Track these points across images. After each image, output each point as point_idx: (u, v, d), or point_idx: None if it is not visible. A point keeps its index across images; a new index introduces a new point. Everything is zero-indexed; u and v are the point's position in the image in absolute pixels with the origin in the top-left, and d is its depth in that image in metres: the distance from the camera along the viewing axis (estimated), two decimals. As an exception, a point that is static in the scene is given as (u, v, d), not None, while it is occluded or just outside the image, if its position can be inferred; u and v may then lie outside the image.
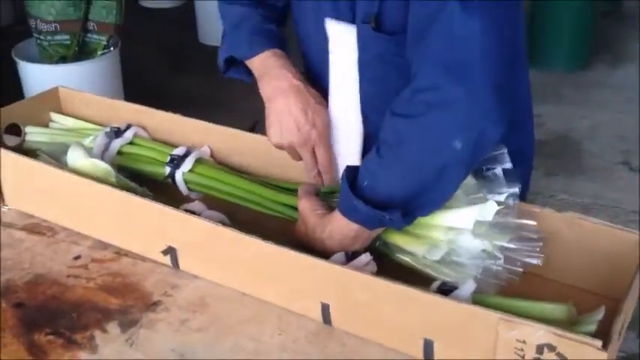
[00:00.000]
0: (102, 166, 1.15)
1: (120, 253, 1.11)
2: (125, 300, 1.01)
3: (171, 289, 1.03)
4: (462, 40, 0.88)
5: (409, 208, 0.93)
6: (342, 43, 1.10)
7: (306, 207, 1.04)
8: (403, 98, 0.93)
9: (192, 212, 1.05)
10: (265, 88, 1.11)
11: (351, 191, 0.95)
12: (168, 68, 3.91)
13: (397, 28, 1.03)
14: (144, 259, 1.09)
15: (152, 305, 1.00)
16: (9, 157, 1.18)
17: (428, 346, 0.88)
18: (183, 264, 1.06)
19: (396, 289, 0.87)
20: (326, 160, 1.11)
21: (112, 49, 2.84)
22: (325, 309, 0.95)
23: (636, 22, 4.61)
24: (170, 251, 1.06)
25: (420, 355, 0.89)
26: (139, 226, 1.08)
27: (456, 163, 0.90)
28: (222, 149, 1.28)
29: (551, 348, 0.78)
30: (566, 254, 1.01)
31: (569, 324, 0.86)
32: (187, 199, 1.16)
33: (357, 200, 0.93)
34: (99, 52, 2.82)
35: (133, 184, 1.15)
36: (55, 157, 1.21)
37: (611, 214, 2.67)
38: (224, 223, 1.04)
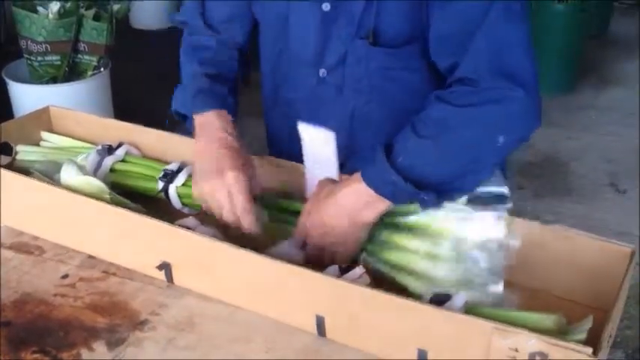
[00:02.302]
0: (95, 184, 1.16)
1: (108, 272, 1.11)
2: (112, 319, 1.01)
3: (159, 307, 1.03)
4: (512, 46, 0.97)
5: (442, 190, 0.97)
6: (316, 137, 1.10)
7: (324, 180, 1.07)
8: (458, 90, 0.98)
9: (187, 228, 1.06)
10: (196, 146, 1.12)
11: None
12: (159, 89, 3.91)
13: (398, 41, 1.06)
14: (132, 277, 1.09)
15: (139, 324, 1.00)
16: (3, 174, 1.18)
17: (422, 356, 0.89)
18: (177, 279, 1.07)
19: (391, 300, 0.89)
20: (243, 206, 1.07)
21: (102, 69, 2.86)
22: (320, 321, 0.96)
23: (622, 45, 4.68)
24: (165, 266, 1.06)
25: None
26: (133, 242, 1.09)
27: (494, 154, 0.98)
28: None
29: (543, 356, 0.80)
30: (553, 266, 1.03)
31: (559, 333, 0.87)
32: (180, 215, 1.17)
33: (397, 176, 0.95)
34: (89, 73, 2.83)
35: (126, 201, 1.16)
36: (48, 175, 1.22)
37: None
38: (217, 239, 1.04)
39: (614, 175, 3.19)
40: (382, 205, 0.99)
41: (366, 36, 1.07)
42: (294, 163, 1.20)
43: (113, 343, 0.96)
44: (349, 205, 1.00)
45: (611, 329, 0.86)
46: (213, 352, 0.95)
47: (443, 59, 1.03)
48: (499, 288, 0.96)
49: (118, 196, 1.17)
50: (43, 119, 1.43)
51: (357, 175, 1.00)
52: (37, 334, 0.98)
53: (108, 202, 1.11)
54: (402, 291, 0.97)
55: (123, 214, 1.08)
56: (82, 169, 1.20)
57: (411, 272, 1.00)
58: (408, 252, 1.01)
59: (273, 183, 1.19)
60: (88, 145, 1.37)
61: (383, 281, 1.01)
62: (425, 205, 0.98)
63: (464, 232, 0.99)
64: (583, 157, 3.35)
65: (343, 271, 1.00)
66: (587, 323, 0.89)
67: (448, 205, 1.00)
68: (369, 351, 0.94)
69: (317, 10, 1.09)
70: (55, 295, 1.06)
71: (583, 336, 0.87)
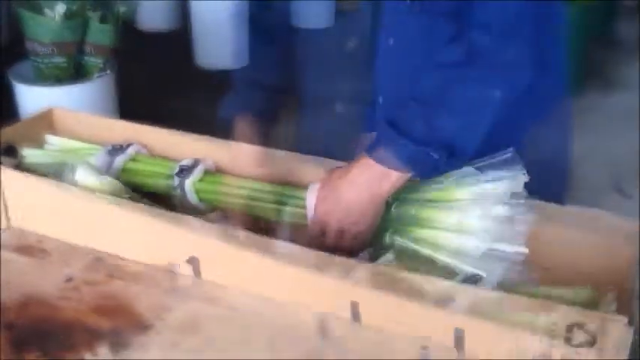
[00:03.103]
0: (113, 183, 1.17)
1: (112, 274, 1.11)
2: (116, 322, 1.00)
3: (163, 311, 1.02)
4: (507, 9, 1.00)
5: (445, 144, 1.01)
6: None
7: (331, 170, 1.11)
8: (450, 52, 1.03)
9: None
10: None
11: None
12: (165, 91, 3.93)
13: None
14: (136, 281, 1.09)
15: (143, 327, 0.99)
16: (17, 177, 1.19)
17: (459, 334, 0.91)
18: (205, 274, 1.08)
19: (429, 281, 0.93)
20: None
21: (108, 71, 2.86)
22: (355, 307, 0.97)
23: (628, 47, 4.66)
24: (192, 262, 1.07)
25: (451, 343, 0.93)
26: (158, 239, 1.10)
27: (494, 106, 1.03)
28: (226, 162, 1.29)
29: (581, 327, 0.85)
30: (565, 243, 1.06)
31: (590, 306, 0.92)
32: (196, 213, 1.18)
33: (405, 140, 1.00)
34: (95, 75, 2.84)
35: (145, 200, 1.17)
36: (58, 177, 1.22)
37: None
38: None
39: (619, 179, 3.18)
40: (396, 174, 1.03)
41: None
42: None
43: (117, 347, 0.96)
44: (365, 181, 1.04)
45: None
46: (218, 355, 0.94)
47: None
48: (524, 250, 1.00)
49: (136, 195, 1.18)
50: (46, 121, 1.43)
51: (365, 154, 1.04)
52: (40, 337, 0.98)
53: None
54: (429, 266, 1.01)
55: (148, 211, 1.10)
56: (95, 170, 1.21)
57: (438, 246, 1.04)
58: (434, 226, 1.05)
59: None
60: (94, 146, 1.37)
61: (409, 258, 1.03)
62: (437, 167, 1.02)
63: (485, 202, 1.03)
64: (588, 160, 3.34)
65: (373, 260, 1.02)
66: (611, 298, 0.95)
67: (467, 177, 1.04)
68: (405, 334, 0.95)
69: None
70: (59, 297, 1.06)
71: (613, 308, 0.92)
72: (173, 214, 1.10)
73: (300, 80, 1.33)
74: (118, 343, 0.97)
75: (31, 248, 1.18)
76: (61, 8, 2.64)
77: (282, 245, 1.01)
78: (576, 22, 3.83)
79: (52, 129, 1.44)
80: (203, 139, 1.31)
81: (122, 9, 2.79)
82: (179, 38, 4.73)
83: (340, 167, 1.10)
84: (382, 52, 1.27)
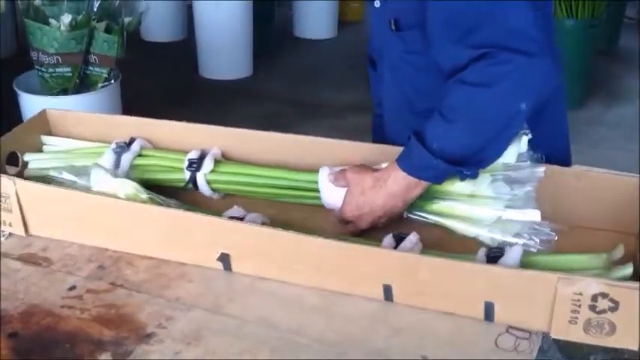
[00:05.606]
0: (130, 185, 1.17)
1: (115, 283, 1.11)
2: (119, 331, 1.00)
3: (166, 320, 1.03)
4: (522, 29, 1.02)
5: (476, 160, 1.06)
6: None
7: (356, 170, 1.16)
8: (474, 69, 1.04)
9: (237, 218, 1.11)
10: None
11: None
12: (169, 101, 3.94)
13: (410, 27, 1.17)
14: (139, 290, 1.09)
15: (146, 337, 0.99)
16: (35, 188, 1.19)
17: (489, 308, 0.96)
18: (236, 269, 1.10)
19: (459, 265, 0.97)
20: None
21: (112, 81, 2.87)
22: (387, 290, 1.01)
23: (631, 60, 4.67)
24: (223, 258, 1.09)
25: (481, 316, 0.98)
26: (188, 238, 1.11)
27: (520, 119, 1.06)
28: (232, 150, 1.31)
29: (605, 296, 0.90)
30: (576, 201, 1.15)
31: (606, 269, 1.00)
32: (207, 204, 1.19)
33: (437, 159, 1.05)
34: (99, 85, 2.84)
35: (163, 198, 1.17)
36: (70, 180, 1.22)
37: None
38: (266, 224, 1.11)
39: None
40: (426, 183, 1.10)
41: (391, 25, 1.19)
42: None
43: (119, 356, 0.96)
44: (401, 190, 1.11)
45: None
46: (220, 365, 0.94)
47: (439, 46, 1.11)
48: (537, 211, 1.06)
49: (155, 195, 1.18)
50: (41, 124, 1.42)
51: (399, 166, 1.10)
52: (44, 346, 0.98)
53: (148, 203, 1.14)
54: (449, 235, 1.08)
55: (176, 213, 1.11)
56: (108, 171, 1.21)
57: (455, 216, 1.10)
58: (448, 198, 1.12)
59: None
60: (93, 143, 1.37)
61: (429, 229, 1.10)
62: (466, 177, 1.08)
63: (494, 168, 1.08)
64: (591, 172, 3.34)
65: (398, 239, 1.05)
66: (619, 252, 1.02)
67: None
68: (436, 310, 1.00)
69: (371, 6, 1.25)
70: (63, 306, 1.06)
71: (630, 270, 0.98)
72: (199, 215, 1.11)
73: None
74: (120, 352, 0.97)
75: (35, 257, 1.18)
76: (66, 19, 2.64)
77: (310, 239, 1.03)
78: (580, 36, 3.85)
79: (48, 131, 1.43)
80: (208, 127, 1.34)
81: (127, 20, 2.80)
82: (183, 49, 4.74)
83: (364, 169, 1.15)
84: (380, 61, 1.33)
